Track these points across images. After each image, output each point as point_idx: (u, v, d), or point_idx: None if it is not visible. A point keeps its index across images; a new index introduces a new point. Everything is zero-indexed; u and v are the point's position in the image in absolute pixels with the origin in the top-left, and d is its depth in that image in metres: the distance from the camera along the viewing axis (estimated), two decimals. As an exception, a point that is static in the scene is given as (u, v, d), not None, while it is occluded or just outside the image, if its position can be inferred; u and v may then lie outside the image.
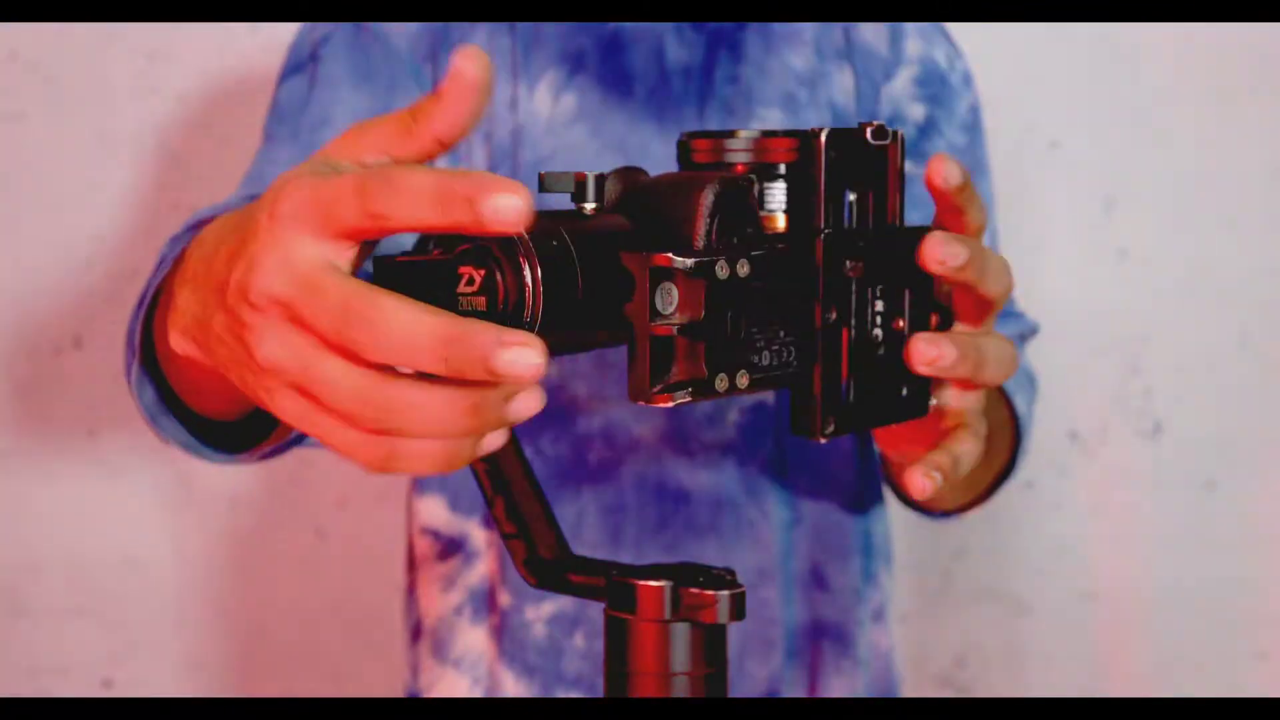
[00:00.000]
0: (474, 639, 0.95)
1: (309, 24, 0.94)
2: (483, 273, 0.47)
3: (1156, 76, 1.41)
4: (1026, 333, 1.01)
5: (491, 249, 0.47)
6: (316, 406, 0.46)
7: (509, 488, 0.59)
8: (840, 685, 0.96)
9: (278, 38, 1.34)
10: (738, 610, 0.55)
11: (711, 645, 0.56)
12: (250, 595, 1.40)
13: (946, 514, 0.97)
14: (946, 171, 0.57)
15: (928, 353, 0.56)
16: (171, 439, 0.74)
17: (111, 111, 1.34)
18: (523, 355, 0.42)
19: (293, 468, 1.38)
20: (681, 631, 0.56)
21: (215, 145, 1.34)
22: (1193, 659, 1.45)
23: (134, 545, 1.38)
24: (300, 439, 0.81)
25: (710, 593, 0.55)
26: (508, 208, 0.42)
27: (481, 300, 0.47)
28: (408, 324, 0.43)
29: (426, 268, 0.48)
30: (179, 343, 0.55)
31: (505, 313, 0.47)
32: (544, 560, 0.60)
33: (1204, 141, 1.41)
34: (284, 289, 0.45)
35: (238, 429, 0.75)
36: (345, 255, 0.45)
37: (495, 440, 0.48)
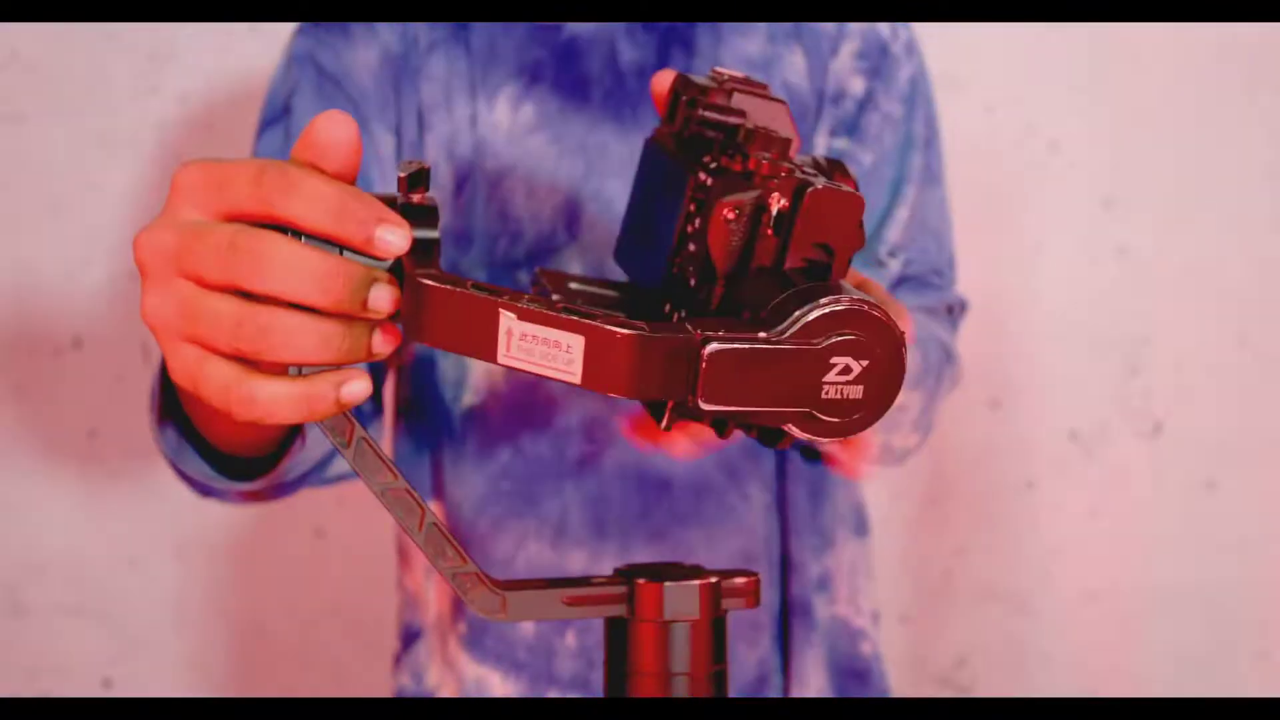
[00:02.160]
0: (453, 645, 0.96)
1: (282, 71, 0.95)
2: (865, 364, 0.49)
3: (1156, 76, 1.41)
4: (954, 305, 1.02)
5: (867, 341, 0.49)
6: (200, 352, 0.49)
7: (430, 516, 0.55)
8: (811, 658, 0.96)
9: (278, 38, 1.34)
10: (755, 597, 0.57)
11: (717, 642, 0.56)
12: (250, 595, 1.40)
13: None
14: None
15: None
16: (194, 472, 0.75)
17: (111, 111, 1.34)
18: (389, 291, 0.47)
19: (293, 468, 1.38)
20: (682, 631, 0.56)
21: (215, 145, 1.34)
22: (1193, 659, 1.45)
23: (134, 545, 1.38)
24: (318, 472, 0.85)
25: (744, 580, 0.56)
26: (395, 241, 0.47)
27: (858, 390, 0.49)
28: (293, 254, 0.46)
29: (781, 353, 0.49)
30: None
31: (881, 403, 0.49)
32: (503, 589, 0.56)
33: (1204, 141, 1.42)
34: (170, 240, 0.48)
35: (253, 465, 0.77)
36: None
37: (356, 390, 0.49)
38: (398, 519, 0.54)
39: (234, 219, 0.48)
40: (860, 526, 1.02)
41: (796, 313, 0.49)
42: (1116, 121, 1.42)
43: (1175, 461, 1.44)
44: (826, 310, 0.49)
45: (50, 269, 1.35)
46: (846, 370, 0.49)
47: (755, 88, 0.59)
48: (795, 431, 0.50)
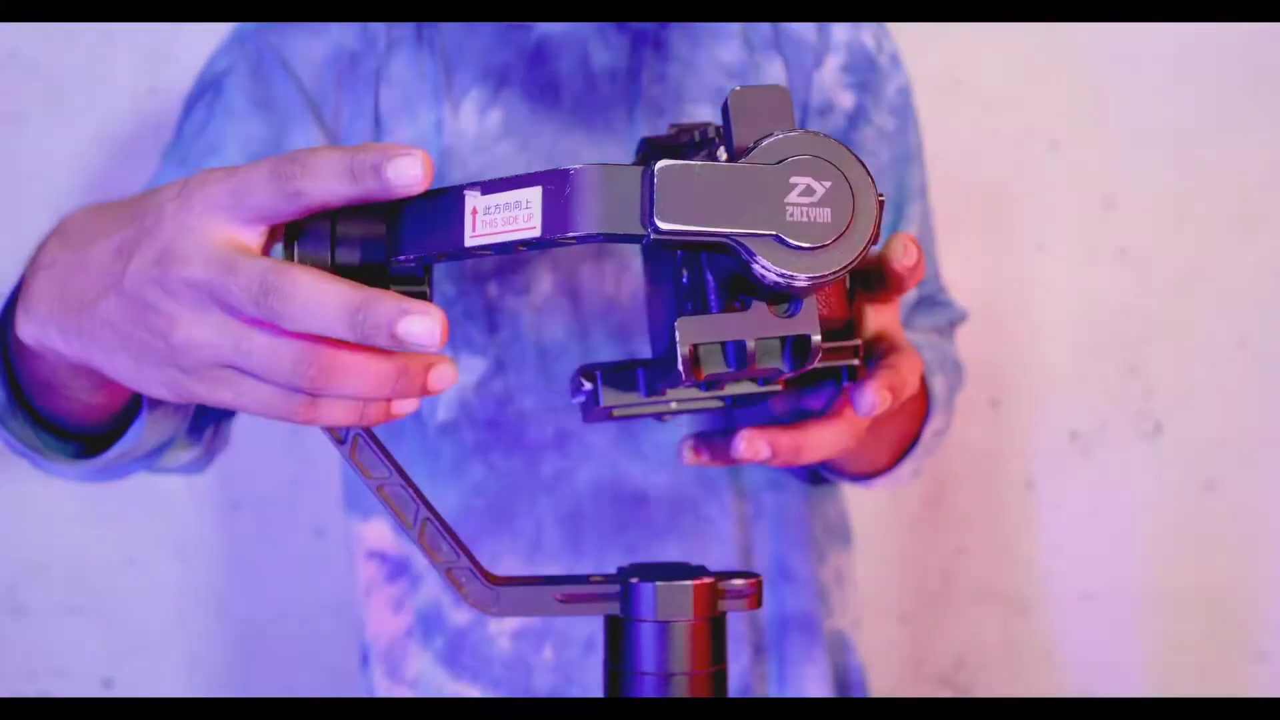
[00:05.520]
0: (424, 662, 0.94)
1: (218, 52, 0.94)
2: (828, 185, 0.48)
3: (1156, 76, 1.41)
4: (956, 320, 1.01)
5: (826, 161, 0.48)
6: (236, 376, 0.50)
7: (425, 511, 0.56)
8: (812, 673, 0.95)
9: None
10: (757, 599, 0.58)
11: (715, 643, 0.57)
12: (250, 595, 1.40)
13: (858, 478, 0.93)
14: (905, 255, 0.62)
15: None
16: (18, 440, 0.72)
17: (111, 111, 1.34)
18: (421, 324, 0.47)
19: (293, 468, 1.38)
20: (678, 630, 0.56)
21: (215, 145, 1.34)
22: (1193, 659, 1.45)
23: (134, 545, 1.38)
24: (148, 459, 0.79)
25: (744, 581, 0.56)
26: (408, 170, 0.47)
27: (825, 213, 0.48)
28: (319, 293, 0.47)
29: (735, 171, 0.48)
30: (32, 332, 0.57)
31: (848, 228, 0.48)
32: (498, 584, 0.57)
33: (1204, 141, 1.42)
34: (202, 272, 0.49)
35: (82, 438, 0.74)
36: (256, 241, 0.50)
37: (407, 405, 0.52)
38: (394, 514, 0.55)
39: (260, 221, 0.50)
40: (845, 535, 1.01)
41: (749, 146, 0.49)
42: (1116, 121, 1.42)
43: (1175, 461, 1.44)
44: (779, 136, 0.49)
45: (50, 269, 1.35)
46: (809, 191, 0.48)
47: (708, 125, 0.62)
48: (767, 268, 0.48)
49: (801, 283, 0.48)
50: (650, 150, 0.65)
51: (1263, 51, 1.41)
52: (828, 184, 0.48)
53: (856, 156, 0.49)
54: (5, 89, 1.33)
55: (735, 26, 0.93)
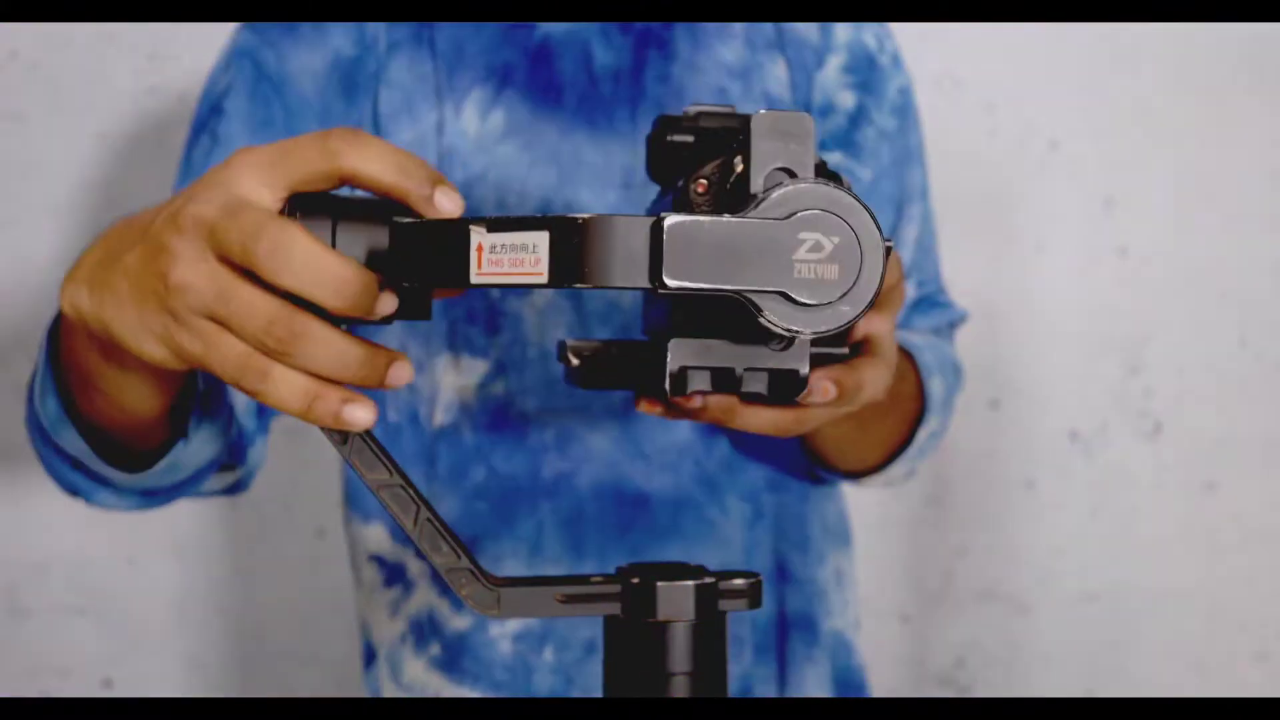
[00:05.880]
0: (418, 668, 0.94)
1: (217, 71, 0.93)
2: (836, 241, 0.48)
3: (1156, 76, 1.41)
4: (956, 320, 1.01)
5: (836, 217, 0.48)
6: (216, 330, 0.52)
7: (425, 512, 0.56)
8: (812, 674, 0.95)
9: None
10: (756, 598, 0.58)
11: (715, 643, 0.57)
12: (250, 595, 1.40)
13: (852, 475, 0.94)
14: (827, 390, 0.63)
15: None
16: (68, 451, 0.74)
17: (111, 111, 1.34)
18: (389, 305, 0.51)
19: (293, 467, 1.38)
20: (677, 631, 0.56)
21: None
22: (1193, 659, 1.45)
23: (134, 545, 1.38)
24: (194, 482, 0.80)
25: (744, 581, 0.56)
26: (452, 203, 0.52)
27: (833, 269, 0.48)
28: (311, 252, 0.49)
29: (745, 227, 0.48)
30: (70, 296, 0.59)
31: (855, 284, 0.48)
32: (498, 585, 0.57)
33: (1204, 141, 1.42)
34: (209, 210, 0.51)
35: (126, 454, 0.75)
36: (273, 206, 0.52)
37: (359, 416, 0.53)
38: (394, 514, 0.55)
39: (292, 187, 0.52)
40: (845, 535, 1.01)
41: (760, 195, 0.49)
42: (1116, 121, 1.42)
43: (1175, 461, 1.44)
44: (789, 189, 0.49)
45: (50, 269, 1.35)
46: (818, 247, 0.48)
47: (730, 112, 0.63)
48: (775, 322, 0.48)
49: (807, 337, 0.49)
50: (665, 128, 0.63)
51: (1263, 51, 1.41)
52: (836, 240, 0.48)
53: (866, 207, 0.49)
54: (5, 89, 1.33)
55: (738, 26, 0.93)
